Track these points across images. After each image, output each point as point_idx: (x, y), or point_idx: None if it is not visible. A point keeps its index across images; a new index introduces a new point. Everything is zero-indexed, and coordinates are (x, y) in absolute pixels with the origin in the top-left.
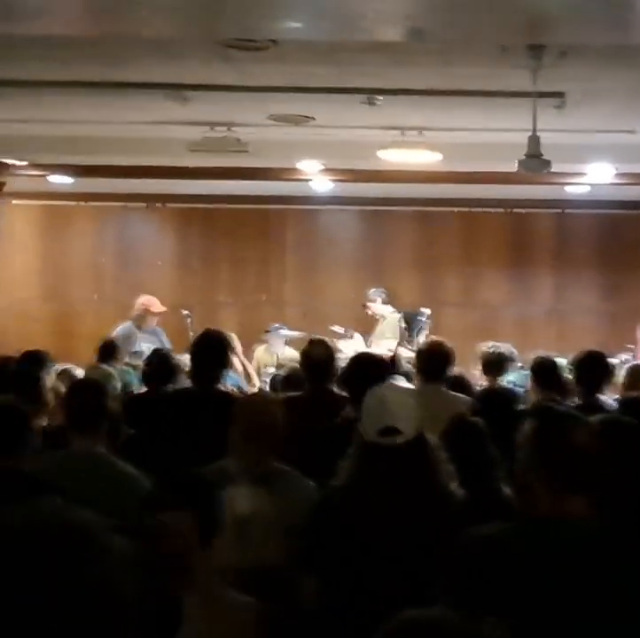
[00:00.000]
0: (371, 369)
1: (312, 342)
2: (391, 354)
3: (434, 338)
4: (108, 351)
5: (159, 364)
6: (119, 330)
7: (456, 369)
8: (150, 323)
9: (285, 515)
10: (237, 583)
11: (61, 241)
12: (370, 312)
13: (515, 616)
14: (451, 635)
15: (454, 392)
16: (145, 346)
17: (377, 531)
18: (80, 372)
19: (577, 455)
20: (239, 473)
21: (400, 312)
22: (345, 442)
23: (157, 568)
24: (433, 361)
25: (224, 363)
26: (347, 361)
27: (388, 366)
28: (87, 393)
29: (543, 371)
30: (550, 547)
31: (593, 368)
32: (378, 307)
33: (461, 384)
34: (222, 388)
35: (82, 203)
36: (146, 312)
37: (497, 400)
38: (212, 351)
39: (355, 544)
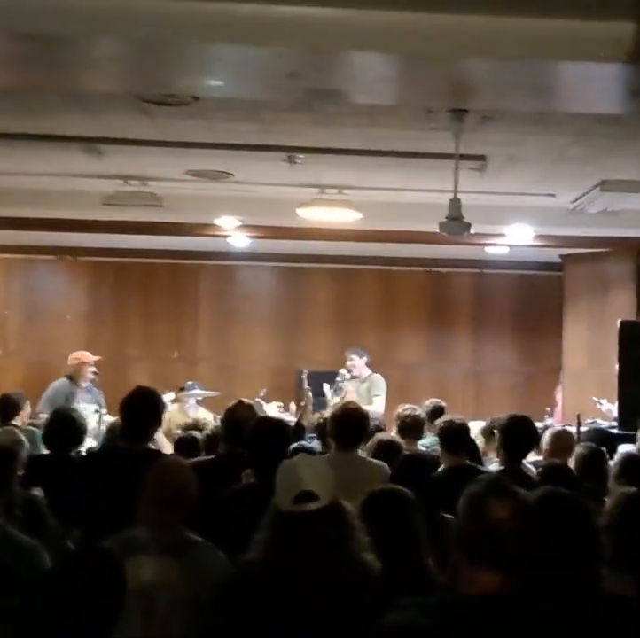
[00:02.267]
0: (273, 433)
1: (240, 403)
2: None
3: (348, 402)
4: (7, 409)
5: (60, 425)
6: (51, 385)
7: (384, 434)
8: (85, 376)
9: (195, 588)
10: None
11: None
12: (355, 372)
13: None
14: None
15: (371, 459)
16: (81, 407)
17: (293, 603)
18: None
19: (494, 530)
20: (149, 543)
21: (304, 371)
22: (247, 508)
23: None
24: (347, 426)
25: (158, 421)
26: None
27: (287, 432)
28: None
29: (451, 436)
30: (464, 628)
31: (520, 434)
32: (359, 365)
33: (390, 448)
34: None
35: None
36: (79, 364)
37: (412, 468)
38: (145, 408)
39: (271, 618)
